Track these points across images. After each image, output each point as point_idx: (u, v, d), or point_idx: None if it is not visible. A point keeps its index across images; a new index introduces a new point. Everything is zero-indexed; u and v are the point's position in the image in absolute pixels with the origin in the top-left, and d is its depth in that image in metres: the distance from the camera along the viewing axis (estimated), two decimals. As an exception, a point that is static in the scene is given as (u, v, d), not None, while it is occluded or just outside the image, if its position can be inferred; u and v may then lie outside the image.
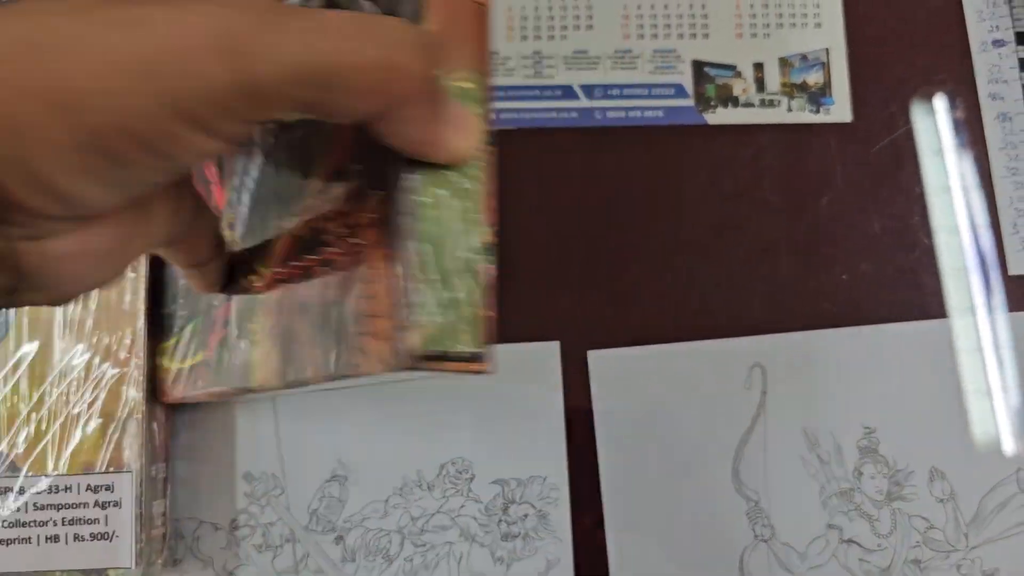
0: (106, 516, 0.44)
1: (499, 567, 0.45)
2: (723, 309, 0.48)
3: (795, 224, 0.49)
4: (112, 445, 0.44)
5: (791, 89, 0.50)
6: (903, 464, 0.46)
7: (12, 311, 0.45)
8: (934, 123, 0.49)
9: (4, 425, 0.44)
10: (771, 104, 0.50)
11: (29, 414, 0.44)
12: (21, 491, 0.44)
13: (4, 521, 0.43)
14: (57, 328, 0.45)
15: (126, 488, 0.44)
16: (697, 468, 0.46)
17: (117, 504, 0.44)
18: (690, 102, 0.50)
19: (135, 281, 0.45)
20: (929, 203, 0.49)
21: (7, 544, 0.43)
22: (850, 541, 0.46)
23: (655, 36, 0.50)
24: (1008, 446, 0.46)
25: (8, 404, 0.44)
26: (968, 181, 0.49)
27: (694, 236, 0.49)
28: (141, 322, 0.45)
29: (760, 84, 0.50)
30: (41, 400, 0.44)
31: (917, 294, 0.48)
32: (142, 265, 0.45)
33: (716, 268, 0.48)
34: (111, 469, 0.44)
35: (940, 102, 0.50)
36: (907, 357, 0.47)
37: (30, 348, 0.45)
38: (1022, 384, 0.47)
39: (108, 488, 0.44)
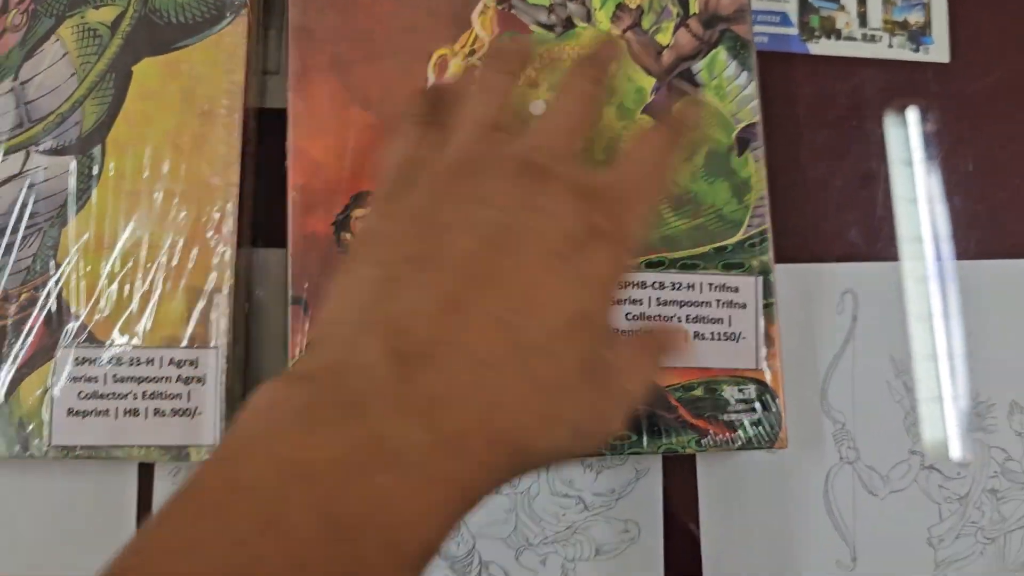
0: (188, 392, 0.41)
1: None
2: (819, 235, 0.48)
3: (893, 155, 0.49)
4: (197, 320, 0.42)
5: (892, 26, 0.50)
6: (984, 396, 0.47)
7: (96, 176, 0.42)
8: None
9: (84, 294, 0.41)
10: (872, 39, 0.50)
11: (110, 283, 0.42)
12: (99, 362, 0.41)
13: (81, 392, 0.41)
14: (143, 197, 0.42)
15: (211, 364, 0.41)
16: (787, 387, 0.45)
17: (201, 380, 0.41)
18: (794, 31, 0.50)
19: (227, 153, 0.43)
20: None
21: (83, 416, 0.40)
22: (931, 468, 0.46)
23: (761, -40, 0.50)
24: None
25: (88, 272, 0.42)
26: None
27: (793, 160, 0.49)
28: (233, 196, 0.43)
29: (863, 19, 0.50)
30: (123, 270, 0.42)
31: (1007, 233, 0.49)
32: (237, 139, 0.43)
33: (814, 194, 0.48)
34: (196, 345, 0.42)
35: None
36: (993, 293, 0.47)
37: (112, 216, 0.42)
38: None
39: (192, 363, 0.41)
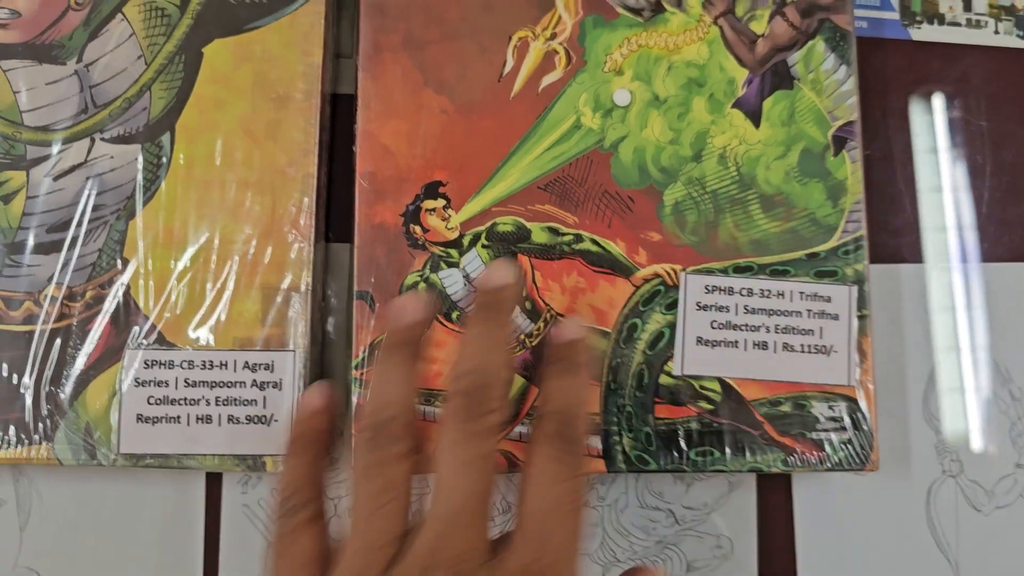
0: (264, 397, 0.39)
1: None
2: (918, 234, 0.45)
3: (999, 150, 0.46)
4: (273, 320, 0.39)
5: (999, 11, 0.47)
6: (1095, 408, 0.44)
7: (164, 165, 0.39)
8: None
9: (153, 292, 0.39)
10: (977, 25, 0.47)
11: (180, 281, 0.39)
12: (170, 365, 0.39)
13: (151, 398, 0.38)
14: (215, 188, 0.40)
15: (288, 369, 0.39)
16: (887, 394, 0.43)
17: (277, 385, 0.39)
18: (895, 15, 0.47)
19: (304, 141, 0.40)
20: None
21: (153, 423, 0.38)
22: (1039, 483, 0.44)
23: (862, -60, 0.47)
24: None
25: (157, 269, 0.39)
26: None
27: (889, 155, 0.46)
28: (311, 188, 0.40)
29: (967, 3, 0.47)
30: (194, 266, 0.39)
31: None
32: (314, 126, 0.40)
33: (913, 190, 0.46)
34: (272, 347, 0.39)
35: None
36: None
37: (182, 209, 0.40)
38: None
39: (268, 367, 0.39)
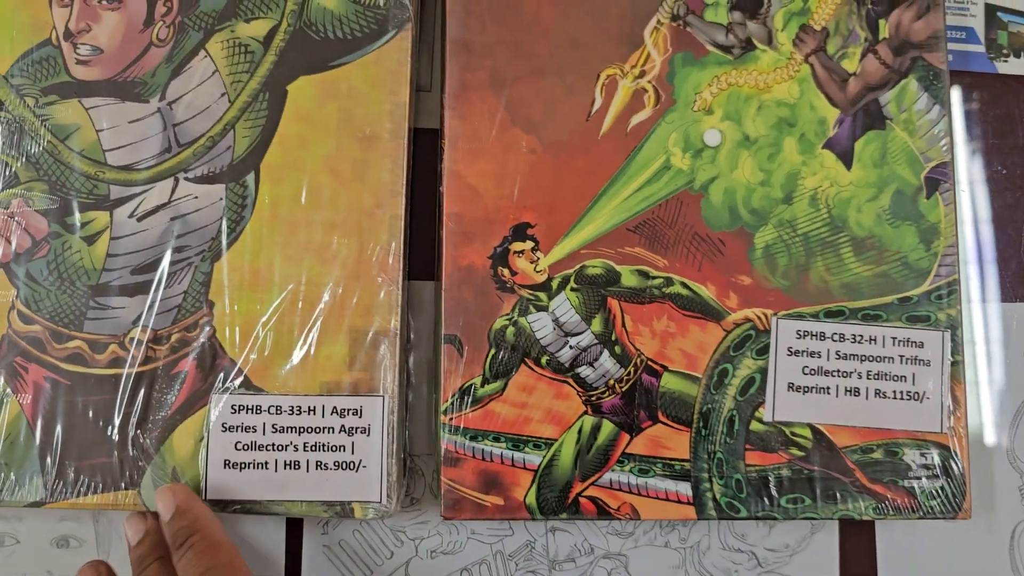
0: (353, 443, 0.38)
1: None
2: (1007, 271, 0.45)
3: (1086, 189, 0.45)
4: (361, 364, 0.39)
5: (1085, 45, 0.46)
6: None
7: (249, 206, 0.39)
8: None
9: (239, 335, 0.38)
10: (1063, 59, 0.46)
11: (267, 323, 0.39)
12: (257, 410, 0.38)
13: (238, 443, 0.38)
14: (301, 229, 0.39)
15: (377, 413, 0.38)
16: (974, 437, 0.43)
17: (365, 431, 0.38)
18: (980, 48, 0.46)
19: (392, 182, 0.39)
20: None
21: (241, 469, 0.38)
22: (1124, 527, 0.43)
23: (948, -28, 0.46)
24: None
25: (243, 311, 0.38)
26: None
27: (978, 190, 0.45)
28: (398, 230, 0.39)
29: (1053, 36, 0.46)
30: (280, 308, 0.39)
31: None
32: (401, 167, 0.39)
33: (1001, 226, 0.45)
34: (360, 391, 0.39)
35: None
36: None
37: (268, 250, 0.39)
38: None
39: (356, 412, 0.38)
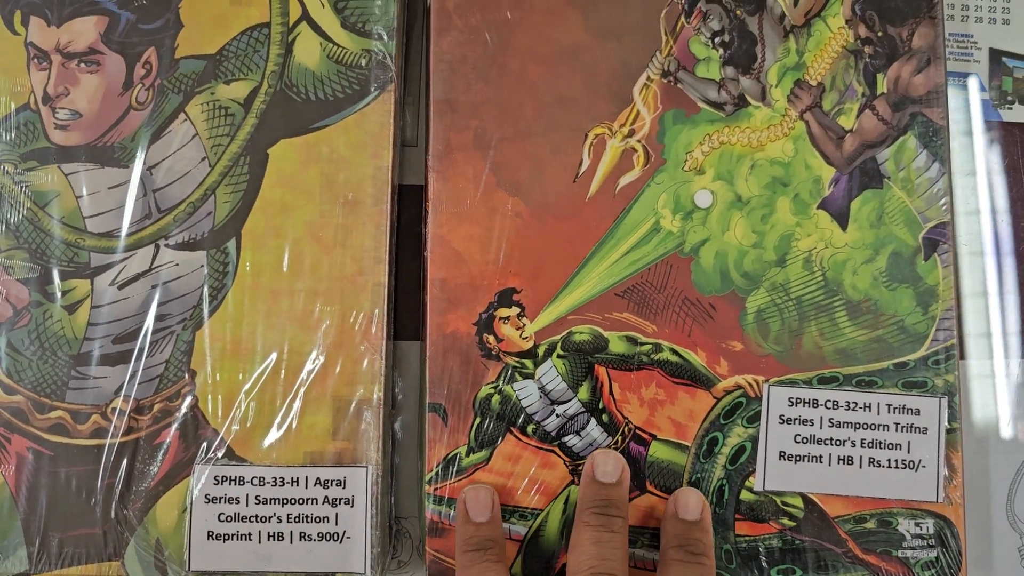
0: (336, 514, 0.38)
1: None
2: (1008, 328, 0.44)
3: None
4: (344, 434, 0.38)
5: (1093, 91, 0.45)
6: None
7: (231, 273, 0.38)
8: None
9: (222, 405, 0.38)
10: (1070, 106, 0.45)
11: (249, 393, 0.38)
12: (240, 481, 0.38)
13: (221, 515, 0.38)
14: (283, 297, 0.38)
15: (360, 484, 0.38)
16: (972, 496, 0.42)
17: (349, 502, 0.38)
18: (984, 95, 0.45)
19: (375, 248, 0.39)
20: None
21: (224, 540, 0.37)
22: None
23: (950, 18, 0.45)
24: None
25: (225, 381, 0.38)
26: None
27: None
28: (381, 298, 0.39)
29: (1060, 82, 0.45)
30: (263, 378, 0.38)
31: None
32: (384, 232, 0.39)
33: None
34: (344, 462, 0.38)
35: None
36: None
37: (250, 318, 0.38)
38: None
39: (339, 483, 0.38)
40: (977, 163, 0.44)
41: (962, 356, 0.42)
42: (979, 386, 0.43)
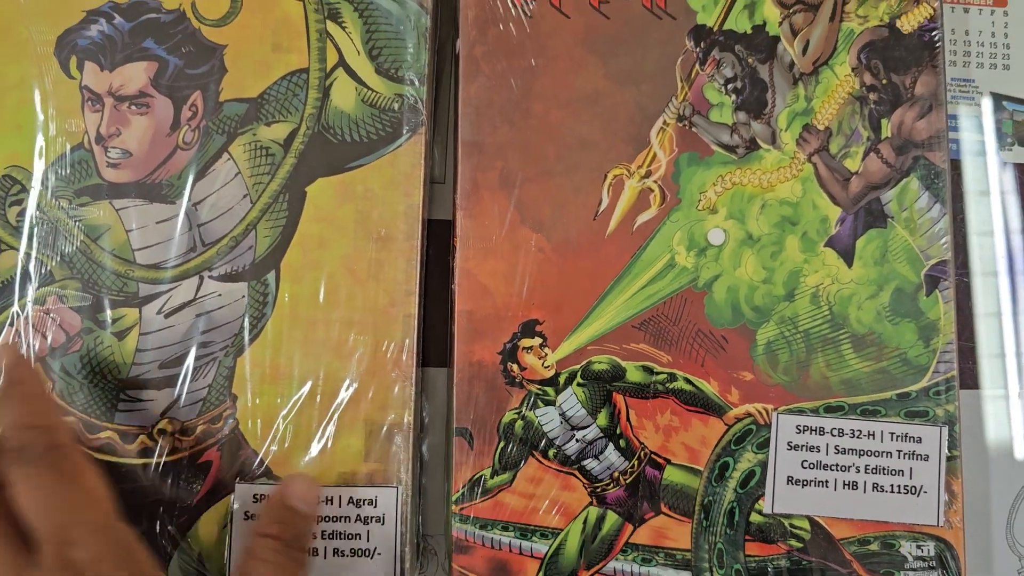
0: (368, 532, 0.40)
1: None
2: (1007, 358, 0.46)
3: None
4: (376, 456, 0.41)
5: (1089, 133, 0.47)
6: None
7: (270, 304, 0.41)
8: None
9: (261, 427, 0.40)
10: (1067, 147, 0.47)
11: (287, 417, 0.41)
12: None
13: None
14: (319, 327, 0.41)
15: (391, 503, 0.40)
16: (972, 519, 0.44)
17: (380, 520, 0.40)
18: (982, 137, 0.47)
19: (405, 282, 0.41)
20: None
21: (262, 555, 0.40)
22: (1120, 613, 0.44)
23: (952, 64, 0.47)
24: None
25: (264, 405, 0.40)
26: None
27: (978, 276, 0.46)
28: (412, 328, 0.41)
29: (1057, 125, 0.47)
30: (299, 402, 0.41)
31: None
32: (414, 267, 0.41)
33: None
34: (375, 482, 0.41)
35: None
36: None
37: (288, 346, 0.41)
38: None
39: (371, 503, 0.40)
40: (991, 182, 0.46)
41: (963, 386, 0.45)
42: (980, 410, 0.45)
